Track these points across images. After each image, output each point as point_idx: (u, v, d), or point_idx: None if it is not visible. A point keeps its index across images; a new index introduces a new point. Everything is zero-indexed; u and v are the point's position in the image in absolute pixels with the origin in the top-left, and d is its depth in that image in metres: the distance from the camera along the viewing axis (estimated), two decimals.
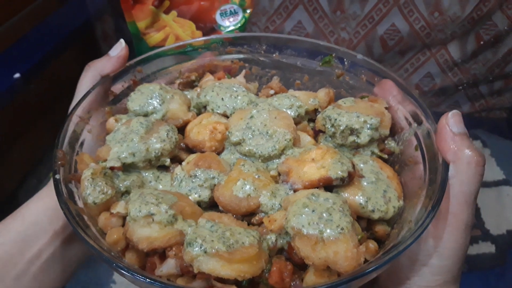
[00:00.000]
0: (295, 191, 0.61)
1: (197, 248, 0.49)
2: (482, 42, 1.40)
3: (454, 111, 0.62)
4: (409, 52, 1.52)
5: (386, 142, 0.73)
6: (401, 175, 0.68)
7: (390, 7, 1.41)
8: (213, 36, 0.88)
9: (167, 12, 0.94)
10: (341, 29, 1.47)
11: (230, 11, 0.97)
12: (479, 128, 1.52)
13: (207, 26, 0.97)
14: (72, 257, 0.75)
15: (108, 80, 0.74)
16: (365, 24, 1.45)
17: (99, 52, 1.38)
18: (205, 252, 0.49)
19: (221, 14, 0.97)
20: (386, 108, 0.72)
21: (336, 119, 0.69)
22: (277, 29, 1.51)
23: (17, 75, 1.05)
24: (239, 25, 0.98)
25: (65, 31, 1.28)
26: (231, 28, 0.98)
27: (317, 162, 0.62)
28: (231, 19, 0.98)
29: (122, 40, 0.78)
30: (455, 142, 0.59)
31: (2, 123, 1.07)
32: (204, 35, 0.96)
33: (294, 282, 0.53)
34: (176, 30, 0.95)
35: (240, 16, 0.99)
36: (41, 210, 0.71)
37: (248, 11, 0.99)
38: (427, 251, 0.58)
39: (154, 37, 0.96)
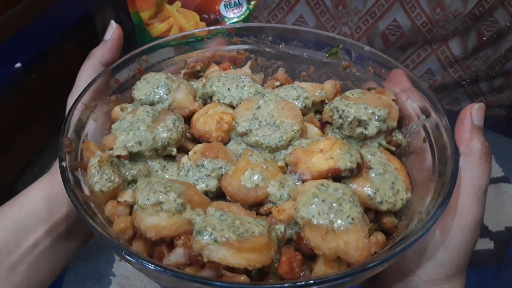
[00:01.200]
0: (303, 181, 0.60)
1: (207, 237, 0.49)
2: (485, 38, 1.40)
3: (481, 104, 0.62)
4: (410, 48, 1.52)
5: (393, 134, 0.72)
6: (409, 167, 0.67)
7: (392, 2, 1.41)
8: (217, 26, 0.87)
9: (171, 2, 0.93)
10: (342, 24, 1.46)
11: (235, 2, 0.96)
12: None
13: (211, 18, 0.96)
14: (67, 250, 0.74)
15: (113, 68, 0.73)
16: (367, 19, 1.45)
17: (99, 43, 1.35)
18: (215, 240, 0.48)
19: (225, 6, 0.96)
20: (393, 100, 0.72)
21: (344, 111, 0.69)
22: (279, 23, 1.51)
23: (18, 65, 1.04)
24: (243, 16, 0.97)
25: (66, 22, 1.27)
26: (235, 19, 0.97)
27: (325, 153, 0.62)
28: (235, 11, 0.97)
29: (112, 21, 0.77)
30: (472, 133, 0.59)
31: (3, 114, 1.06)
32: (208, 26, 0.95)
33: (303, 272, 0.53)
34: (180, 21, 0.94)
35: (244, 8, 0.98)
36: (40, 199, 0.70)
37: (253, 2, 0.98)
38: (432, 243, 0.58)
39: (157, 27, 0.95)
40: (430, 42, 1.47)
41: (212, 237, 0.48)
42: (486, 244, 1.24)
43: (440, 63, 1.50)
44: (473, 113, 0.60)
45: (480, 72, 1.52)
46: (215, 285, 0.45)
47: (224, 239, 0.48)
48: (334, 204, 0.53)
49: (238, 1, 0.97)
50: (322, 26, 1.46)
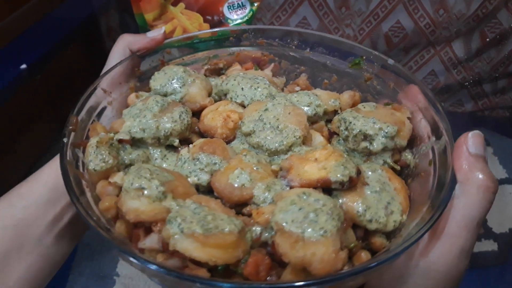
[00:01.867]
0: (291, 188, 0.59)
1: (175, 227, 0.50)
2: (488, 40, 1.33)
3: (476, 131, 0.58)
4: (414, 50, 1.49)
5: (402, 153, 0.69)
6: (412, 189, 0.64)
7: (395, 4, 1.38)
8: (251, 26, 0.88)
9: (175, 4, 0.95)
10: (346, 26, 1.44)
11: (238, 4, 0.97)
12: (482, 126, 1.47)
13: (215, 19, 0.97)
14: (79, 227, 0.78)
15: (135, 57, 0.77)
16: (370, 20, 1.43)
17: (103, 46, 1.38)
18: (182, 231, 0.49)
19: (229, 7, 0.97)
20: (408, 118, 0.69)
21: (350, 122, 0.67)
22: (282, 25, 1.52)
23: (23, 66, 1.06)
24: (246, 18, 0.97)
25: (71, 24, 1.29)
26: (238, 21, 0.97)
27: (319, 162, 0.61)
28: (239, 12, 0.97)
29: (164, 28, 0.81)
30: (468, 163, 0.55)
31: (9, 114, 1.10)
32: (211, 27, 0.96)
33: (270, 277, 0.53)
34: (184, 22, 0.96)
35: (247, 9, 0.98)
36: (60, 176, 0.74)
37: (256, 4, 0.97)
38: (413, 270, 0.55)
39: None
40: (433, 43, 1.43)
41: (179, 227, 0.50)
42: (490, 245, 1.22)
43: (444, 64, 1.45)
44: (468, 142, 0.57)
45: (483, 73, 1.47)
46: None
47: (190, 231, 0.49)
48: (311, 214, 0.52)
49: (242, 3, 0.97)
50: (325, 27, 1.45)
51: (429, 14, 1.37)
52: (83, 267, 1.07)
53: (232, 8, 0.95)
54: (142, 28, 0.93)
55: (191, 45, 0.84)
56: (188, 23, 0.93)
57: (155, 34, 0.80)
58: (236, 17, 0.96)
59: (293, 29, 0.84)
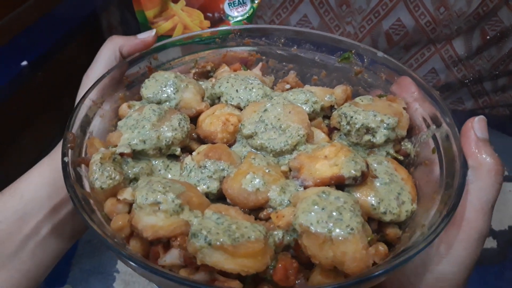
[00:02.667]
0: (305, 188, 0.59)
1: (201, 240, 0.48)
2: (488, 37, 1.38)
3: (481, 116, 0.61)
4: (414, 47, 1.52)
5: (402, 143, 0.71)
6: (416, 178, 0.66)
7: (396, 1, 1.40)
8: (235, 27, 0.86)
9: (175, 1, 0.93)
10: (346, 23, 1.46)
11: (239, 1, 0.96)
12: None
13: (215, 16, 0.96)
14: (70, 232, 0.75)
15: (123, 65, 0.74)
16: (371, 18, 1.44)
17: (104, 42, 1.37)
18: (210, 244, 0.48)
19: (229, 4, 0.96)
20: (404, 108, 0.70)
21: (352, 117, 0.67)
22: (283, 22, 1.51)
23: (24, 63, 1.05)
24: (247, 15, 0.96)
25: (72, 21, 1.28)
26: (239, 18, 0.96)
27: (330, 159, 0.61)
28: (239, 9, 0.96)
29: (155, 30, 0.78)
30: (478, 147, 0.57)
31: (10, 111, 1.08)
32: (212, 24, 0.94)
33: (299, 281, 0.52)
34: (184, 19, 0.94)
35: (248, 7, 0.97)
36: (39, 185, 0.71)
37: (256, 1, 0.97)
38: (434, 256, 0.56)
39: (162, 26, 0.95)
40: (434, 41, 1.46)
41: (206, 240, 0.48)
42: (489, 243, 1.23)
43: (444, 62, 1.49)
44: (475, 127, 0.59)
45: (484, 71, 1.50)
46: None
47: (218, 243, 0.47)
48: (334, 213, 0.51)
49: (242, 0, 0.96)
50: (326, 25, 1.46)
51: (430, 12, 1.38)
52: (84, 264, 1.05)
53: (232, 5, 0.93)
54: (142, 25, 0.90)
55: (200, 43, 0.81)
56: (188, 20, 0.91)
57: (146, 36, 0.77)
58: (236, 14, 0.94)
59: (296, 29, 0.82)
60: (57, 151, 0.73)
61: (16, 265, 0.69)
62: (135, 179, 0.61)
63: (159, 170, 0.65)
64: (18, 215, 0.69)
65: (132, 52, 0.76)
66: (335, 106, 0.75)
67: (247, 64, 0.85)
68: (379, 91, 0.77)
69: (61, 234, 0.74)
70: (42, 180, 0.71)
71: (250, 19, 0.96)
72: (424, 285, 0.58)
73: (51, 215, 0.71)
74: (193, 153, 0.66)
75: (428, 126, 0.67)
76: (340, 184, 0.59)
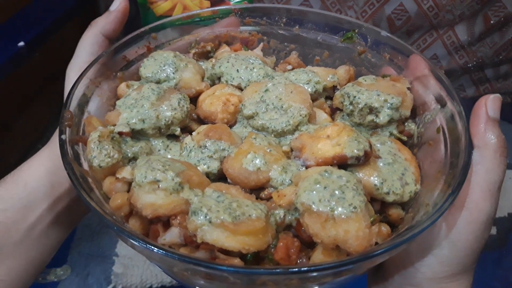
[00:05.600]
0: (307, 167, 0.58)
1: (201, 217, 0.47)
2: (492, 22, 1.34)
3: (497, 95, 0.59)
4: (416, 33, 1.49)
5: (406, 123, 0.69)
6: (420, 158, 0.65)
7: None
8: (236, 6, 0.84)
9: None
10: (348, 8, 1.43)
11: None
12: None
13: None
14: (74, 219, 0.75)
15: (121, 44, 0.72)
16: (373, 2, 1.41)
17: None
18: (210, 222, 0.47)
19: None
20: (408, 88, 0.69)
21: (355, 97, 0.66)
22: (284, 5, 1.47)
23: (21, 43, 1.04)
24: None
25: (69, 2, 1.25)
26: None
27: (332, 139, 0.59)
28: None
29: None
30: (486, 126, 0.56)
31: (7, 93, 1.07)
32: (212, 5, 0.92)
33: (300, 260, 0.51)
34: None
35: None
36: (43, 174, 0.70)
37: None
38: (439, 240, 0.55)
39: (161, 6, 0.93)
40: (436, 27, 1.43)
41: (207, 218, 0.47)
42: None
43: (446, 48, 1.46)
44: (488, 104, 0.57)
45: (486, 58, 1.48)
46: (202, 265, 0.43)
47: (219, 220, 0.47)
48: (337, 192, 0.50)
49: None
50: (327, 9, 1.43)
51: None
52: (82, 248, 1.05)
53: None
54: (142, 5, 0.88)
55: (199, 23, 0.79)
56: (188, 0, 0.89)
57: (117, 4, 0.75)
58: None
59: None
60: (55, 141, 0.72)
61: (22, 253, 0.69)
62: (134, 159, 0.60)
63: (159, 150, 0.64)
64: (22, 204, 0.69)
65: (116, 29, 0.74)
66: (338, 87, 0.74)
67: (248, 44, 0.84)
68: (384, 71, 0.75)
69: (64, 221, 0.73)
70: (44, 169, 0.70)
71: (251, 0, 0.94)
72: (428, 269, 0.57)
73: (55, 203, 0.71)
74: (193, 133, 0.65)
75: (432, 106, 0.66)
76: (342, 164, 0.58)
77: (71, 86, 0.63)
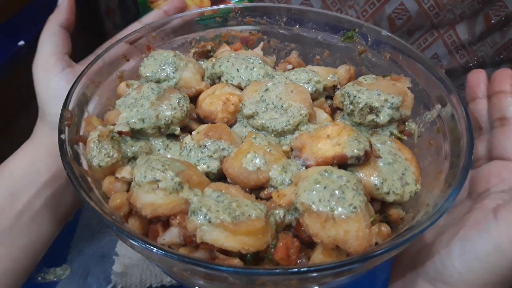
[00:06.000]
0: (307, 167, 0.58)
1: (201, 217, 0.47)
2: (492, 21, 1.34)
3: (506, 69, 0.60)
4: (417, 32, 1.48)
5: (406, 123, 0.69)
6: (420, 158, 0.64)
7: None
8: (235, 5, 0.84)
9: None
10: (348, 7, 1.42)
11: None
12: None
13: None
14: (65, 207, 0.76)
15: (121, 43, 0.72)
16: (373, 2, 1.41)
17: (102, 26, 1.35)
18: (210, 221, 0.47)
19: None
20: (408, 87, 0.69)
21: (355, 96, 0.66)
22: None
23: (21, 42, 1.05)
24: None
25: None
26: None
27: (332, 138, 0.59)
28: None
29: None
30: None
31: (7, 92, 1.07)
32: (212, 4, 0.92)
33: (300, 260, 0.51)
34: None
35: None
36: (27, 163, 0.72)
37: None
38: (485, 243, 0.52)
39: (161, 5, 0.93)
40: (437, 26, 1.43)
41: (206, 218, 0.47)
42: None
43: (447, 48, 1.45)
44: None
45: (487, 58, 1.47)
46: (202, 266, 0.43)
47: (218, 220, 0.47)
48: (337, 191, 0.50)
49: None
50: (328, 8, 1.43)
51: None
52: (82, 247, 1.05)
53: None
54: (142, 5, 0.88)
55: (200, 22, 0.80)
56: None
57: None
58: None
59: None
60: (37, 132, 0.74)
61: (12, 241, 0.69)
62: (134, 158, 0.60)
63: (159, 150, 0.63)
64: (9, 191, 0.70)
65: (68, 18, 0.78)
66: (338, 86, 0.73)
67: (248, 44, 0.83)
68: (383, 72, 0.75)
69: (55, 208, 0.74)
70: (29, 158, 0.72)
71: None
72: (469, 273, 0.53)
73: (43, 189, 0.72)
74: (193, 132, 0.65)
75: (433, 106, 0.66)
76: (343, 163, 0.57)
77: (41, 85, 0.65)
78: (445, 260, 0.55)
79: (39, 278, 0.98)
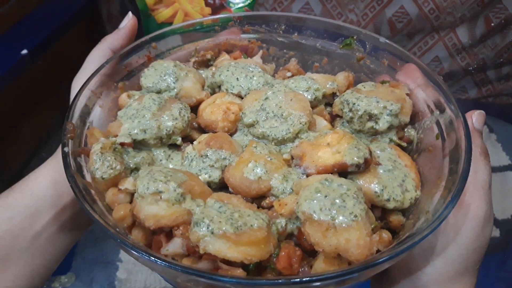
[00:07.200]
0: (308, 175, 0.59)
1: (204, 228, 0.48)
2: (492, 24, 1.34)
3: (481, 111, 0.65)
4: (418, 35, 1.49)
5: (405, 130, 0.70)
6: (420, 165, 0.65)
7: None
8: (234, 14, 0.85)
9: None
10: (349, 11, 1.43)
11: None
12: (485, 113, 1.52)
13: (216, 3, 0.94)
14: (79, 228, 0.76)
15: (122, 55, 0.73)
16: (374, 6, 1.41)
17: (104, 32, 1.36)
18: (212, 232, 0.47)
19: None
20: (407, 94, 0.69)
21: (354, 104, 0.66)
22: (284, 10, 1.48)
23: (24, 51, 1.05)
24: (248, 1, 0.95)
25: (71, 8, 1.27)
26: (241, 5, 0.94)
27: (332, 147, 0.60)
28: None
29: (129, 13, 0.78)
30: (473, 134, 0.60)
31: (10, 100, 1.08)
32: (213, 11, 0.93)
33: (302, 269, 0.52)
34: (185, 6, 0.92)
35: None
36: (50, 184, 0.71)
37: None
38: (442, 240, 0.57)
39: (162, 13, 0.94)
40: (437, 29, 1.44)
41: (209, 229, 0.48)
42: (492, 232, 1.23)
43: (448, 50, 1.46)
44: (474, 118, 0.63)
45: (487, 60, 1.48)
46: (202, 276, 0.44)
47: (221, 231, 0.47)
48: (337, 200, 0.51)
49: None
50: (328, 13, 1.43)
51: None
52: (87, 253, 1.06)
53: None
54: (143, 12, 0.89)
55: (199, 31, 0.80)
56: (189, 7, 0.90)
57: (126, 22, 0.78)
58: (238, 1, 0.93)
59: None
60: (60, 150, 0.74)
61: (28, 261, 0.70)
62: (136, 169, 0.60)
63: (160, 160, 0.64)
64: (29, 212, 0.70)
65: (123, 45, 0.76)
66: (337, 93, 0.74)
67: (247, 52, 0.84)
68: (381, 78, 0.76)
69: (70, 230, 0.74)
70: (50, 179, 0.71)
71: (251, 5, 0.94)
72: (433, 270, 0.58)
73: (61, 212, 0.72)
74: (194, 142, 0.65)
75: (431, 112, 0.66)
76: (343, 171, 0.58)
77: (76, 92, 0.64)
78: (411, 265, 0.61)
79: (44, 287, 0.99)
